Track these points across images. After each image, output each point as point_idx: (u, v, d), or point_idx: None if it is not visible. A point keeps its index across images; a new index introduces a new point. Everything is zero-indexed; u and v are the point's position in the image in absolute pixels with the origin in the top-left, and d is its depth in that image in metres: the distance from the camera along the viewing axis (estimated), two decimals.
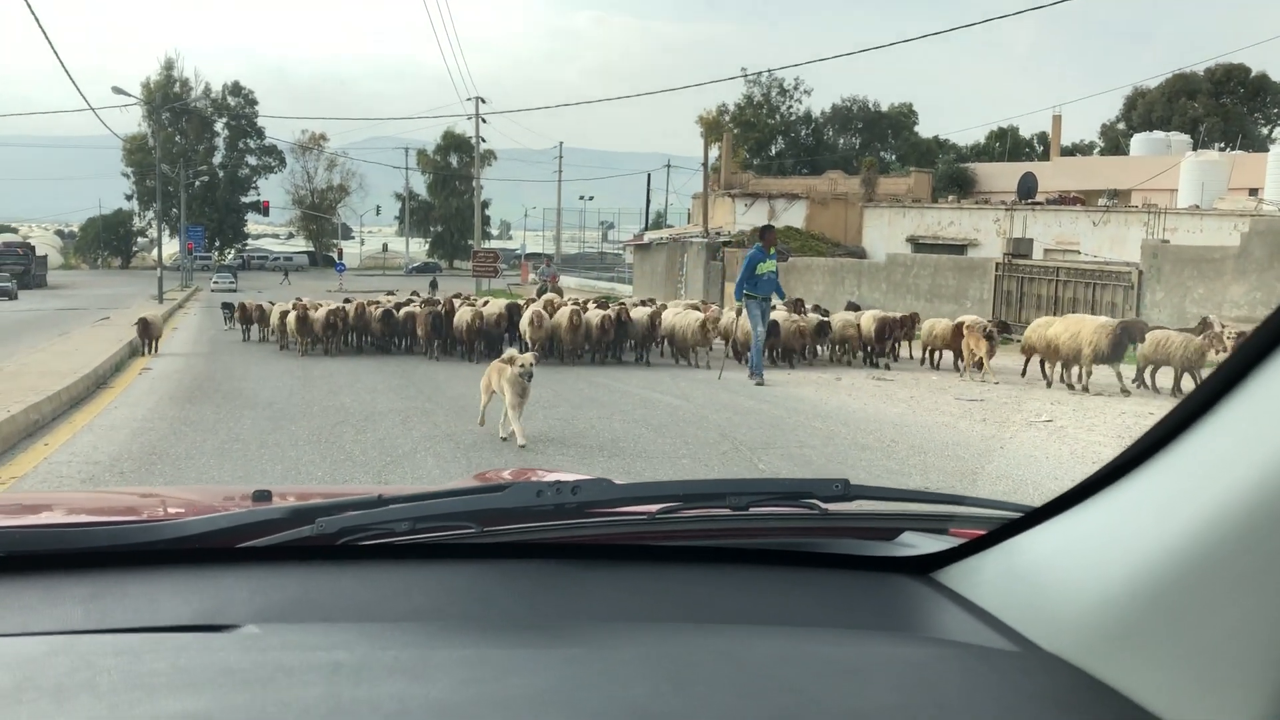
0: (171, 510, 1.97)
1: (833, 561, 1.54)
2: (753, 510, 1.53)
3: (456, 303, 19.33)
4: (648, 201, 71.95)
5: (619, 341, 17.48)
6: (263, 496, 1.75)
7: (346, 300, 20.60)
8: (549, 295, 22.26)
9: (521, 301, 20.39)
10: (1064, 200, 35.63)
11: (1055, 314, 20.66)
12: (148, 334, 17.33)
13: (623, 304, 19.23)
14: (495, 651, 1.11)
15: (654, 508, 1.54)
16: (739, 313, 15.39)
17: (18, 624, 1.20)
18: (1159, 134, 44.83)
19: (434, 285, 44.11)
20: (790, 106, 65.93)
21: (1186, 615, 0.92)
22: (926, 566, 1.47)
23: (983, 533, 1.38)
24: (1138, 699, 0.96)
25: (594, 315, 17.16)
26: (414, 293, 25.80)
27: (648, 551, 1.54)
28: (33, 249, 70.04)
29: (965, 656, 1.13)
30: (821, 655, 1.14)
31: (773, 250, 14.63)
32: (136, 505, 2.16)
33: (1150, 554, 0.97)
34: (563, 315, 16.95)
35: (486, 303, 19.63)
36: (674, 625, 1.28)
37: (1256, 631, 0.86)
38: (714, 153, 46.45)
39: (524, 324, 16.91)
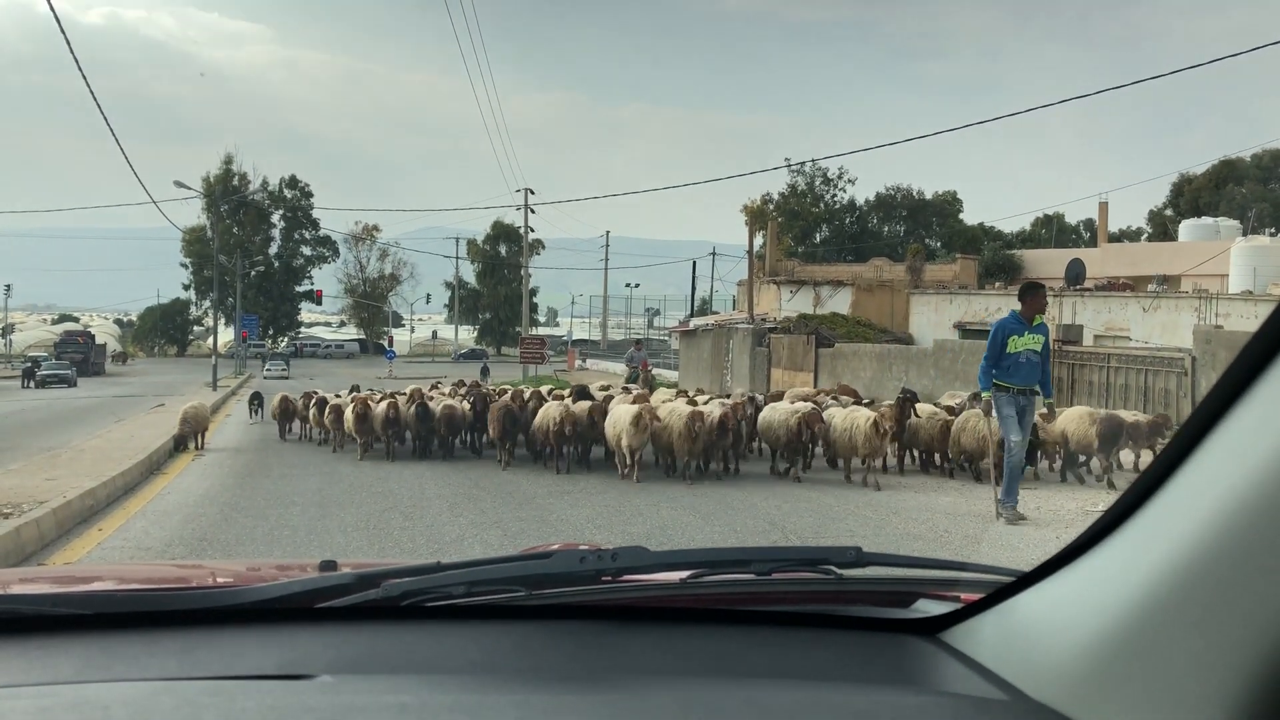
0: (224, 580, 2.16)
1: (850, 623, 1.65)
2: (774, 575, 1.65)
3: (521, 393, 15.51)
4: (693, 288, 72.52)
5: (737, 444, 13.01)
6: (329, 565, 1.88)
7: (383, 393, 18.03)
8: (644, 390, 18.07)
9: (598, 388, 17.19)
10: (1113, 286, 35.34)
11: (1107, 401, 20.34)
12: (197, 428, 17.02)
13: (743, 396, 14.98)
14: (542, 697, 1.24)
15: (685, 573, 1.67)
16: (987, 410, 10.27)
17: (123, 671, 1.36)
18: (1208, 220, 44.35)
19: (485, 372, 44.51)
20: (834, 195, 66.32)
21: (1144, 662, 1.05)
22: (934, 627, 1.58)
23: (982, 595, 1.49)
24: None
25: (713, 409, 12.55)
26: (435, 384, 21.94)
27: (679, 613, 1.66)
28: (93, 337, 71.84)
29: (962, 705, 1.25)
30: (835, 703, 1.27)
31: (1037, 320, 9.98)
32: (208, 573, 2.38)
33: (1115, 610, 1.10)
34: (675, 417, 12.15)
35: (572, 395, 15.82)
36: (703, 678, 1.39)
37: (1200, 673, 0.97)
38: (759, 240, 46.83)
39: (619, 426, 12.35)
